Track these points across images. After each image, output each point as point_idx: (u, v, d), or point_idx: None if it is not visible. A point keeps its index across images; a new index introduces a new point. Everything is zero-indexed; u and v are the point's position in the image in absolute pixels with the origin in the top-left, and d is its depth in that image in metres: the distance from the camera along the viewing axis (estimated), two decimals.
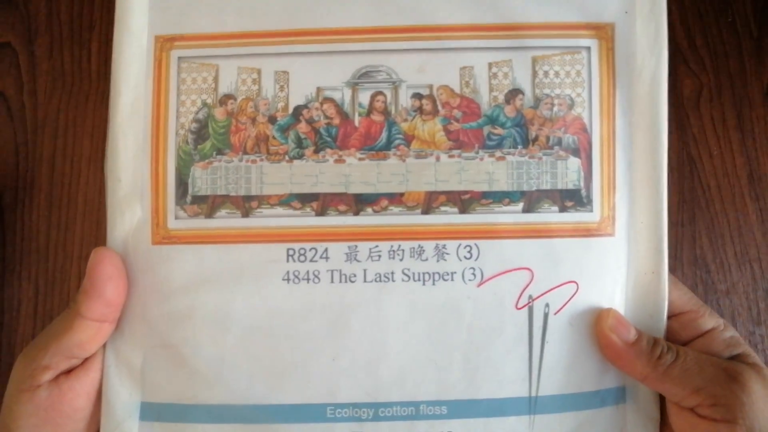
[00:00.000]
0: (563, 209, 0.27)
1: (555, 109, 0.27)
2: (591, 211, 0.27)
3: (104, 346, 0.27)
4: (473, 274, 0.27)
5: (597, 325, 0.27)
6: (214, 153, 0.28)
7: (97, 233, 0.39)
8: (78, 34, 0.40)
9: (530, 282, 0.27)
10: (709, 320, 0.28)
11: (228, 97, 0.28)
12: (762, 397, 0.25)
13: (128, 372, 0.27)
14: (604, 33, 0.27)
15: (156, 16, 0.27)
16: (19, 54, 0.40)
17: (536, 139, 0.27)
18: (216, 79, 0.28)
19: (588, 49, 0.27)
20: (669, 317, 0.28)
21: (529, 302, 0.27)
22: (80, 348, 0.26)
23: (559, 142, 0.27)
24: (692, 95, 0.40)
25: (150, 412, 0.27)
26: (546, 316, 0.27)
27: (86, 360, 0.26)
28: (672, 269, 0.39)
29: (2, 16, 0.40)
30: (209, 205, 0.27)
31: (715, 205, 0.40)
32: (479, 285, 0.27)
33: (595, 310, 0.27)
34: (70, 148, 0.40)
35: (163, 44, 0.27)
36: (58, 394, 0.25)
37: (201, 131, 0.28)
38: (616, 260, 0.28)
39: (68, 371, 0.26)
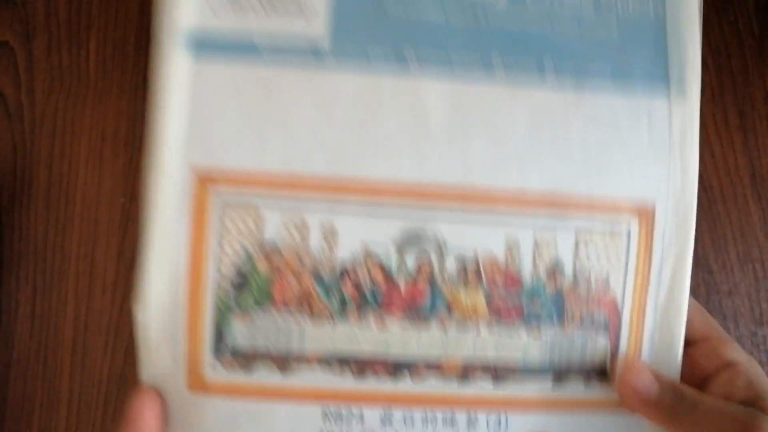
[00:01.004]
0: (588, 385, 0.28)
1: (592, 288, 0.28)
2: (613, 389, 0.28)
3: None
4: None
5: (621, 375, 0.27)
6: (255, 306, 0.27)
7: (95, 233, 0.39)
8: (76, 33, 0.40)
9: None
10: (732, 352, 0.28)
11: (272, 247, 0.27)
12: None
13: None
14: (645, 217, 0.28)
15: (194, 150, 0.26)
16: (17, 53, 0.40)
17: (571, 317, 0.28)
18: (259, 228, 0.27)
19: (629, 232, 0.28)
20: (690, 344, 0.28)
21: None
22: None
23: (591, 320, 0.28)
24: None
25: None
26: None
27: None
28: None
29: (0, 14, 0.40)
30: (247, 359, 0.27)
31: (718, 206, 0.40)
32: None
33: None
34: (68, 147, 0.39)
35: (203, 180, 0.26)
36: None
37: (242, 283, 0.27)
38: None
39: None
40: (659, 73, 0.29)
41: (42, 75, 0.40)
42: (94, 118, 0.40)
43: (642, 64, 0.29)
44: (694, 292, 0.40)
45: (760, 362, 0.39)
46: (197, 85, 0.27)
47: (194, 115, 0.26)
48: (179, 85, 0.26)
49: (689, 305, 0.28)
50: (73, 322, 0.39)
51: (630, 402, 0.27)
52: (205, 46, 0.27)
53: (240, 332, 0.27)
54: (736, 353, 0.27)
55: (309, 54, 0.27)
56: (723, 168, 0.40)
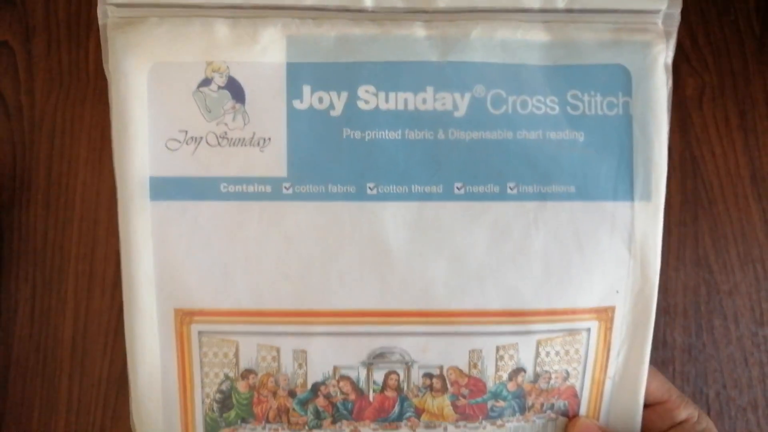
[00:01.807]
0: None
1: (551, 382, 0.30)
2: None
3: None
4: None
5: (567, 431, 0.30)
6: (239, 421, 0.29)
7: (94, 233, 0.39)
8: (76, 33, 0.40)
9: None
10: (684, 411, 0.29)
11: (249, 371, 0.29)
12: None
13: None
14: (604, 315, 0.29)
15: (167, 290, 0.28)
16: (16, 53, 0.40)
17: (532, 407, 0.30)
18: (236, 355, 0.29)
19: (588, 330, 0.29)
20: (646, 406, 0.30)
21: None
22: None
23: (552, 407, 0.30)
24: (694, 94, 0.40)
25: None
26: None
27: None
28: (675, 270, 0.39)
29: None
30: None
31: (718, 205, 0.40)
32: None
33: None
34: (68, 147, 0.39)
35: (183, 318, 0.29)
36: None
37: (225, 401, 0.29)
38: None
39: None
40: (624, 178, 0.29)
41: (41, 75, 0.40)
42: (93, 118, 0.40)
43: (607, 169, 0.29)
44: (695, 292, 0.40)
45: (761, 362, 0.39)
46: (161, 229, 0.28)
47: (162, 258, 0.28)
48: (144, 231, 0.28)
49: (648, 371, 0.30)
50: (72, 322, 0.39)
51: None
52: (164, 189, 0.28)
53: None
54: (689, 411, 0.29)
55: (267, 184, 0.28)
56: (723, 168, 0.40)
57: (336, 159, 0.28)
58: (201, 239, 0.28)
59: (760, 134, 0.40)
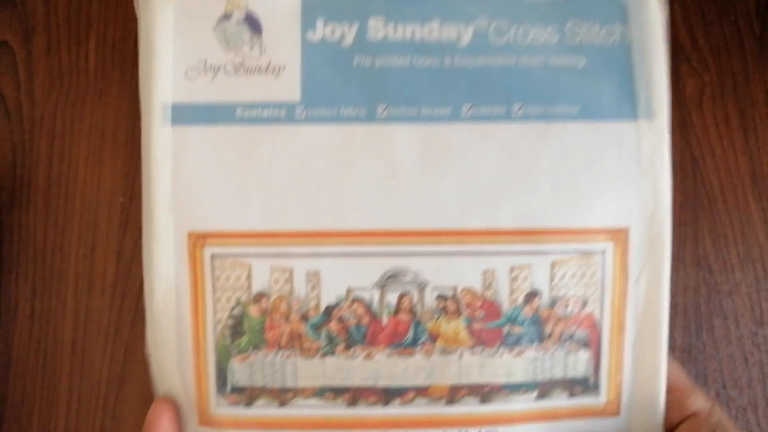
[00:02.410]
0: (572, 395, 0.29)
1: (569, 308, 0.29)
2: (598, 395, 0.29)
3: None
4: None
5: None
6: (251, 348, 0.29)
7: (94, 233, 0.39)
8: (76, 32, 0.40)
9: None
10: (695, 401, 0.28)
11: (262, 295, 0.29)
12: None
13: None
14: (619, 237, 0.29)
15: (183, 212, 0.29)
16: (16, 53, 0.40)
17: (551, 335, 0.29)
18: (249, 278, 0.29)
19: (603, 252, 0.29)
20: None
21: None
22: None
23: (571, 337, 0.29)
24: (695, 94, 0.40)
25: None
26: None
27: None
28: (675, 270, 0.39)
29: (0, 14, 0.40)
30: (247, 395, 0.29)
31: (718, 205, 0.40)
32: None
33: None
34: (68, 147, 0.39)
35: (197, 241, 0.29)
36: None
37: (237, 327, 0.29)
38: None
39: None
40: (626, 98, 0.29)
41: (41, 75, 0.40)
42: (93, 117, 0.40)
43: (608, 89, 0.29)
44: (695, 292, 0.40)
45: (761, 362, 0.39)
46: (180, 152, 0.29)
47: (180, 181, 0.29)
48: (164, 154, 0.29)
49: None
50: (72, 322, 0.39)
51: None
52: (184, 114, 0.29)
53: (240, 372, 0.29)
54: (700, 402, 0.28)
55: (281, 108, 0.29)
56: (723, 168, 0.40)
57: (347, 84, 0.29)
58: (217, 162, 0.29)
59: (760, 134, 0.40)
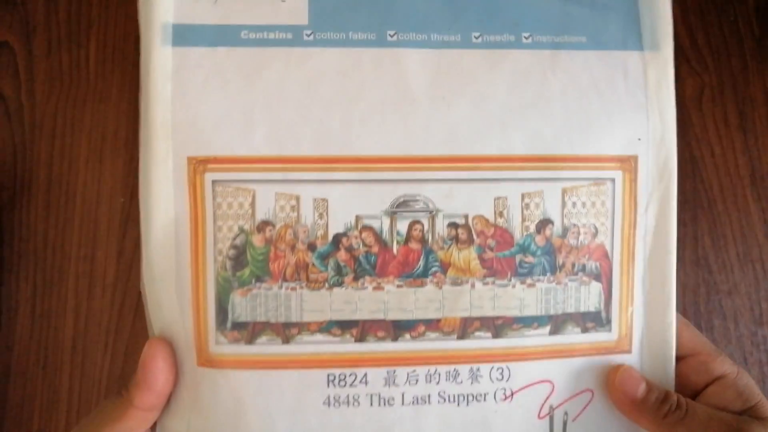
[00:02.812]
0: (585, 330, 0.29)
1: (581, 237, 0.29)
2: (609, 330, 0.29)
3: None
4: (504, 393, 0.28)
5: (609, 379, 0.28)
6: (253, 280, 0.28)
7: (95, 233, 0.39)
8: (76, 33, 0.40)
9: (551, 393, 0.28)
10: (721, 365, 0.28)
11: (266, 223, 0.28)
12: None
13: None
14: (628, 165, 0.29)
15: (183, 136, 0.27)
16: (17, 53, 0.40)
17: (563, 266, 0.29)
18: (253, 205, 0.28)
19: (613, 180, 0.29)
20: (680, 359, 0.29)
21: (550, 412, 0.28)
22: None
23: (583, 269, 0.29)
24: (694, 95, 0.40)
25: None
26: (565, 423, 0.28)
27: None
28: None
29: (0, 15, 0.40)
30: (249, 331, 0.28)
31: (718, 206, 0.40)
32: (506, 399, 0.28)
33: (610, 417, 0.28)
34: (68, 148, 0.39)
35: (197, 166, 0.27)
36: None
37: (239, 258, 0.28)
38: None
39: None
40: (632, 30, 0.30)
41: (42, 75, 0.40)
42: (94, 118, 0.40)
43: (615, 21, 0.29)
44: (694, 292, 0.40)
45: (760, 362, 0.39)
46: (181, 74, 0.28)
47: (180, 103, 0.27)
48: (164, 76, 0.27)
49: (677, 321, 0.29)
50: (73, 322, 0.39)
51: (622, 405, 0.28)
52: (186, 35, 0.28)
53: (241, 306, 0.28)
54: (726, 366, 0.28)
55: (288, 31, 0.28)
56: (723, 168, 0.40)
57: (356, 8, 0.29)
58: (220, 84, 0.28)
59: (760, 134, 0.40)
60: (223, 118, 0.28)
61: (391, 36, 0.28)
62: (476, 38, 0.29)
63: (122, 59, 0.40)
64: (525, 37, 0.29)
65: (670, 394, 0.27)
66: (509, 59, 0.29)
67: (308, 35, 0.28)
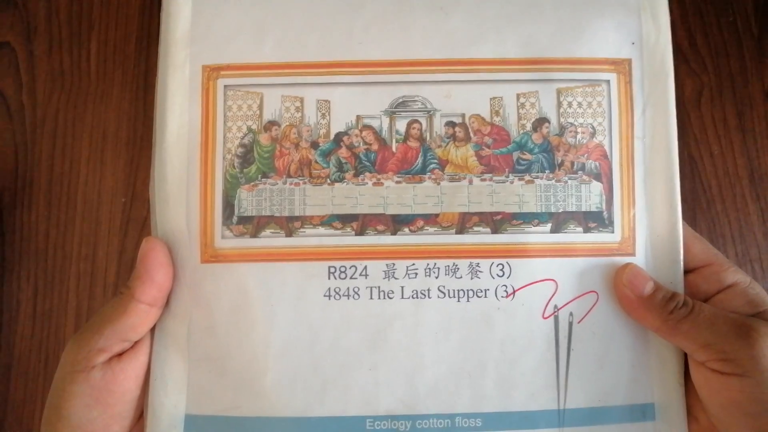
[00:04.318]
0: (587, 230, 0.29)
1: (578, 136, 0.29)
2: (612, 232, 0.29)
3: (152, 340, 0.28)
4: (505, 290, 0.28)
5: (616, 277, 0.28)
6: (260, 176, 0.29)
7: (96, 233, 0.39)
8: (77, 34, 0.40)
9: (555, 293, 0.28)
10: (733, 275, 0.28)
11: (272, 123, 0.29)
12: None
13: (173, 384, 0.28)
14: (622, 68, 0.29)
15: (199, 46, 0.29)
16: (18, 53, 0.40)
17: (562, 164, 0.29)
18: (261, 107, 0.29)
19: (608, 82, 0.29)
20: (692, 270, 0.29)
21: (555, 312, 0.28)
22: (133, 330, 0.27)
23: (583, 168, 0.29)
24: (693, 95, 0.40)
25: (195, 425, 0.28)
26: (570, 324, 0.28)
27: (135, 344, 0.28)
28: None
29: (1, 15, 0.40)
30: (254, 225, 0.29)
31: (716, 206, 0.40)
32: (508, 296, 0.28)
33: (617, 322, 0.29)
34: (69, 148, 0.40)
35: (210, 73, 0.29)
36: (111, 376, 0.27)
37: (247, 155, 0.29)
38: None
39: (119, 354, 0.27)
40: None
41: (43, 75, 0.40)
42: (95, 118, 0.40)
43: None
44: None
45: None
46: None
47: (199, 15, 0.29)
48: None
49: (687, 233, 0.29)
50: (74, 321, 0.39)
51: (628, 303, 0.28)
52: None
53: (247, 201, 0.29)
54: (738, 276, 0.28)
55: None
56: (722, 168, 0.40)
57: None
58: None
59: (758, 135, 0.40)
60: (238, 28, 0.29)
61: None
62: None
63: (123, 59, 0.40)
64: None
65: (676, 293, 0.27)
66: None
67: None
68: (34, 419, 0.39)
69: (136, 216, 0.39)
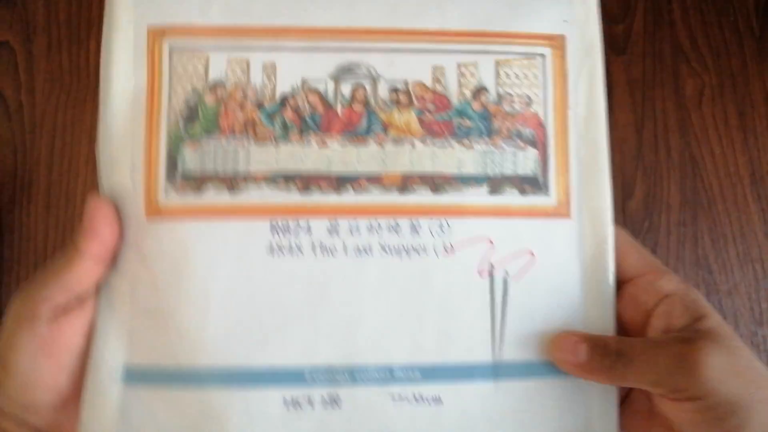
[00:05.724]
0: (523, 192, 0.30)
1: (515, 105, 0.31)
2: (548, 195, 0.30)
3: (97, 295, 0.29)
4: (444, 248, 0.30)
5: (550, 349, 0.29)
6: (204, 134, 0.29)
7: None
8: (76, 33, 0.40)
9: (492, 251, 0.30)
10: (669, 283, 0.29)
11: (218, 84, 0.30)
12: (720, 365, 0.25)
13: (115, 336, 0.29)
14: (556, 43, 0.31)
15: (144, 8, 0.29)
16: (17, 53, 0.40)
17: (499, 131, 0.31)
18: (206, 69, 0.30)
19: (543, 56, 0.31)
20: (628, 280, 0.30)
21: (490, 269, 0.30)
22: (78, 283, 0.27)
23: (519, 135, 0.31)
24: (694, 95, 0.40)
25: (133, 374, 0.28)
26: (506, 282, 0.30)
27: (83, 301, 0.28)
28: (674, 269, 0.39)
29: (0, 14, 0.40)
30: (198, 182, 0.29)
31: (718, 206, 0.40)
32: (447, 255, 0.30)
33: (552, 282, 0.30)
34: (68, 147, 0.39)
35: (155, 35, 0.30)
36: (57, 328, 0.27)
37: (191, 115, 0.30)
38: (570, 239, 0.31)
39: (67, 310, 0.27)
40: None
41: (42, 75, 0.40)
42: (94, 118, 0.40)
43: None
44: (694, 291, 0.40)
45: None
46: None
47: None
48: None
49: (622, 242, 0.30)
50: None
51: (569, 368, 0.28)
52: None
53: (190, 158, 0.29)
54: (672, 284, 0.28)
55: None
56: (723, 168, 0.40)
57: None
58: None
59: (760, 134, 0.40)
60: None
61: None
62: None
63: None
64: None
65: (607, 343, 0.28)
66: None
67: None
68: None
69: None
